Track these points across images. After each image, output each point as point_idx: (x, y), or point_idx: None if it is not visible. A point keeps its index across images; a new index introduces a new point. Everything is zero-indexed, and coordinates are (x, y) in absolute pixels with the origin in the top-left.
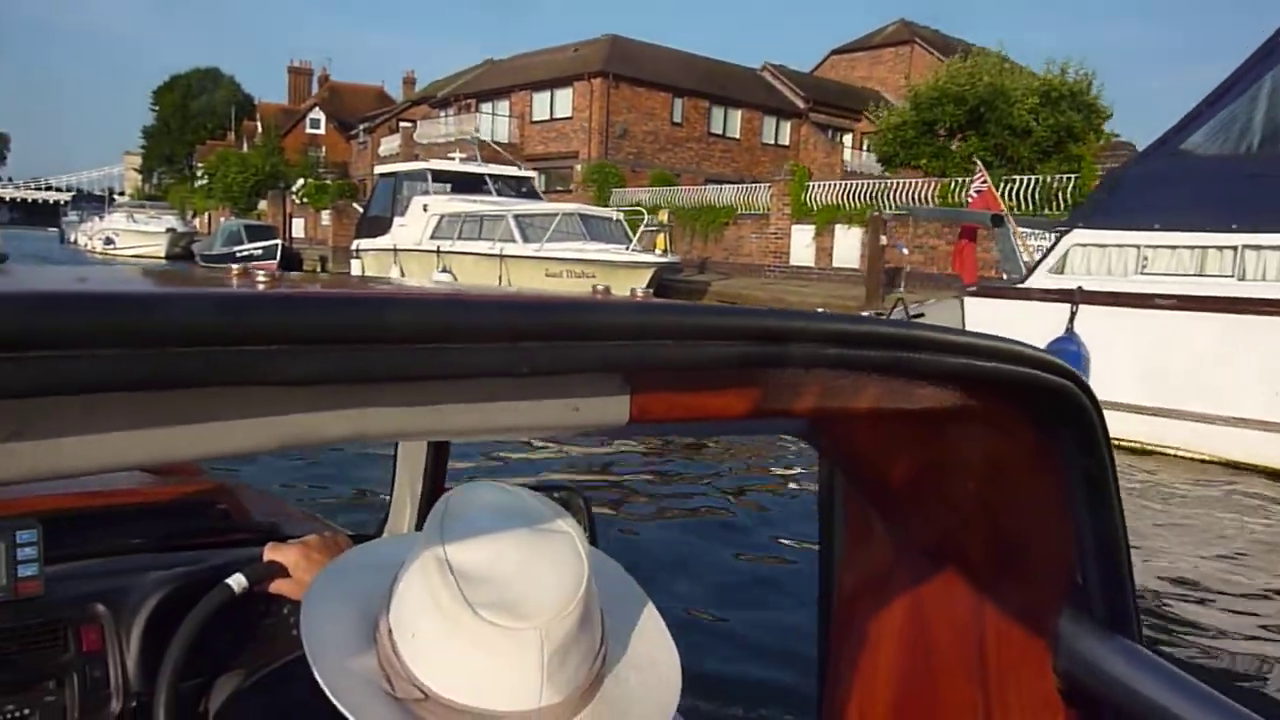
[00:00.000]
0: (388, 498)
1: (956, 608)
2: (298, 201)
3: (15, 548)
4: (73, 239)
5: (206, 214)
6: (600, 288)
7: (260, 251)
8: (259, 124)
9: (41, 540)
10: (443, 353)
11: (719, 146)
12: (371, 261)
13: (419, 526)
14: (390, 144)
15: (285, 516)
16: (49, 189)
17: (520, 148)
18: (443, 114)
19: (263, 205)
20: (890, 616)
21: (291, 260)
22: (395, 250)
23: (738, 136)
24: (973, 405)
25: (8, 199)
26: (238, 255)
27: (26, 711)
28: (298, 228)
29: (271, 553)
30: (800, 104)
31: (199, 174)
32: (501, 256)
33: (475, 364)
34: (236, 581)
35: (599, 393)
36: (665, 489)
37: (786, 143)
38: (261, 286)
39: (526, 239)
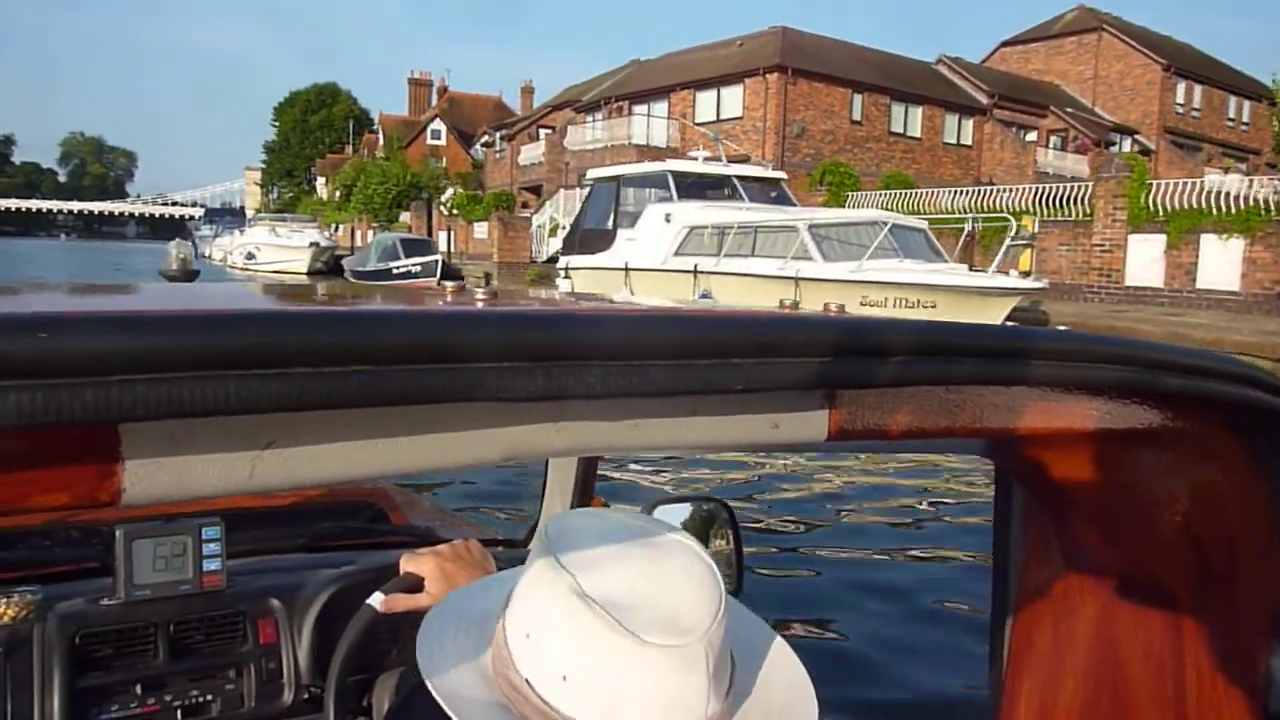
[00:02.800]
0: (537, 507)
1: (1151, 641)
2: (446, 213)
3: (201, 543)
4: (207, 253)
5: (336, 226)
6: (789, 301)
7: (419, 268)
8: (379, 136)
9: (224, 536)
10: (657, 370)
11: (900, 146)
12: (588, 282)
13: None
14: (532, 152)
15: (439, 521)
16: (173, 204)
17: (681, 152)
18: (590, 119)
19: (405, 217)
20: (1074, 648)
21: (451, 277)
22: (627, 270)
23: (919, 135)
24: (1178, 425)
25: (136, 214)
26: (394, 271)
27: (209, 697)
28: (444, 240)
29: (407, 564)
30: (983, 99)
31: (333, 187)
32: (797, 280)
33: (687, 380)
34: (377, 600)
35: (799, 409)
36: (814, 499)
37: (969, 142)
38: (482, 304)
39: (825, 256)
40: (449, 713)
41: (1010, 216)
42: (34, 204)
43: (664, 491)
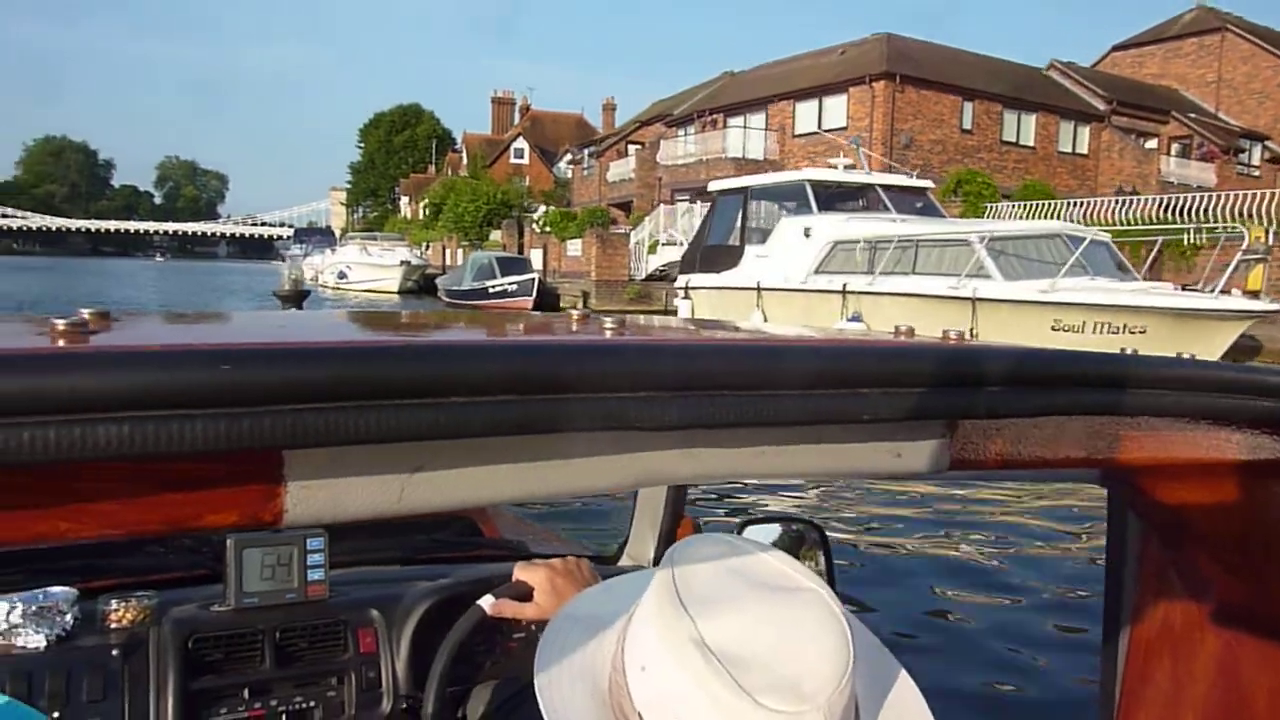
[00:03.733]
0: (626, 524)
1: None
2: (538, 231)
3: (306, 553)
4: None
5: (426, 245)
6: (904, 327)
7: (514, 287)
8: (463, 155)
9: (328, 547)
10: (786, 399)
11: (1012, 156)
12: (711, 303)
13: (658, 557)
14: (621, 168)
15: (530, 535)
16: (262, 224)
17: (780, 164)
18: (682, 133)
19: (495, 235)
20: (1194, 685)
21: (546, 295)
22: (759, 290)
23: (1032, 144)
24: None
25: (227, 235)
26: (490, 290)
27: (312, 704)
28: (536, 259)
29: (520, 573)
30: (1100, 105)
31: (418, 206)
32: (974, 301)
33: (815, 411)
34: (487, 603)
35: (921, 438)
36: (910, 524)
37: (1085, 151)
38: (609, 334)
39: (1005, 274)
40: None
41: (1243, 226)
42: (132, 225)
43: (744, 507)
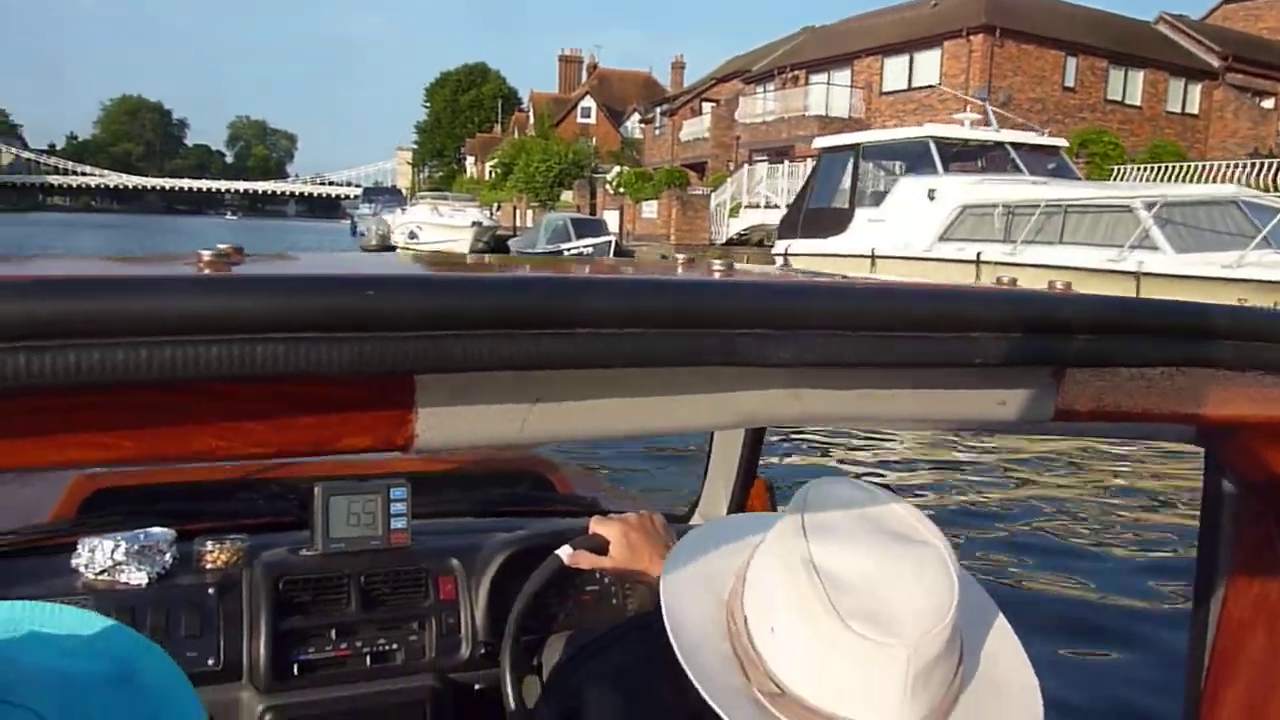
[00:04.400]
0: (699, 482)
1: None
2: (612, 192)
3: (389, 502)
4: (364, 231)
5: (497, 205)
6: (1007, 279)
7: (590, 250)
8: (529, 114)
9: (410, 497)
10: (898, 340)
11: (1117, 116)
12: (811, 267)
13: (734, 506)
14: (695, 127)
15: (601, 492)
16: (329, 184)
17: (865, 123)
18: (760, 90)
19: (566, 196)
20: None
21: (624, 259)
22: (874, 258)
23: (1139, 104)
24: None
25: (295, 194)
26: (565, 253)
27: (394, 646)
28: (611, 221)
29: (596, 526)
30: (1213, 62)
31: (483, 166)
32: (1138, 275)
33: (926, 353)
34: (565, 553)
35: (1026, 386)
36: (994, 494)
37: (1195, 111)
38: (718, 275)
39: (1175, 246)
40: (666, 621)
41: None
42: (205, 184)
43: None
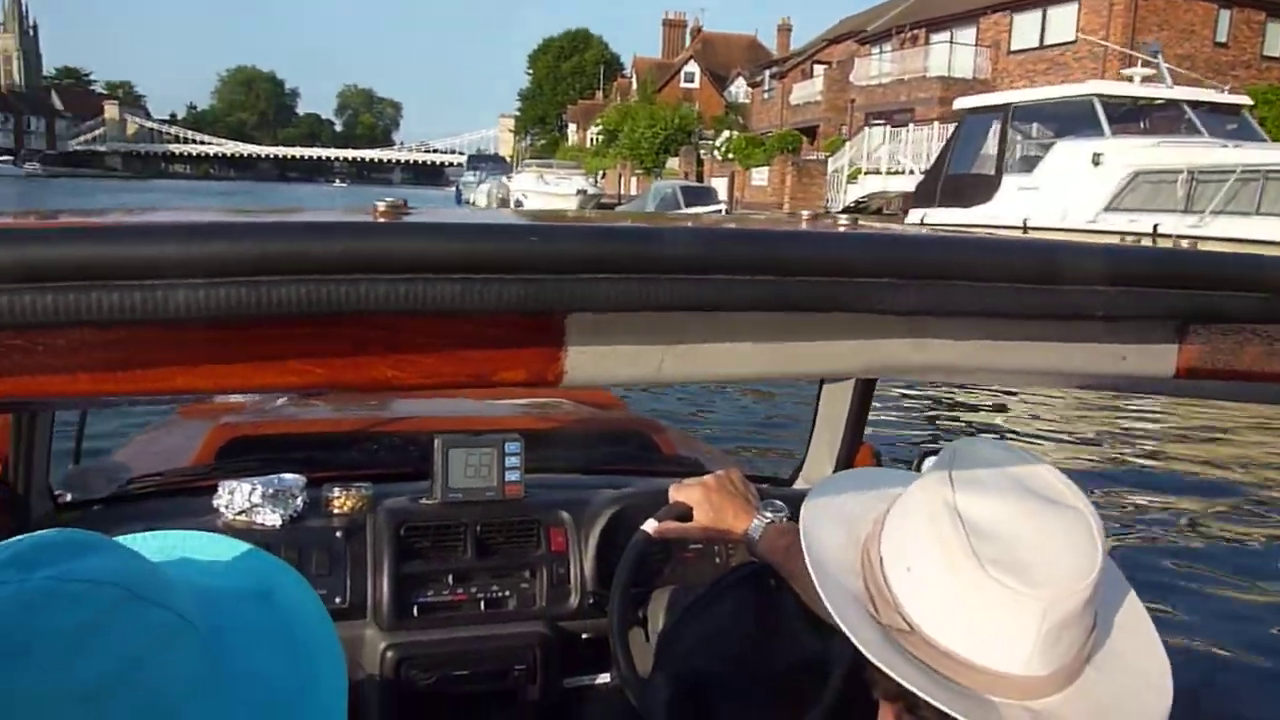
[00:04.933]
0: (803, 447)
1: None
2: (720, 158)
3: (505, 455)
4: (469, 199)
5: (602, 173)
6: (1130, 238)
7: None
8: (632, 80)
9: (523, 451)
10: (1020, 292)
11: (1274, 73)
12: None
13: (839, 469)
14: (806, 90)
15: (704, 454)
16: (434, 151)
17: (992, 84)
18: (876, 51)
19: (672, 163)
20: None
21: None
22: (1027, 229)
23: None
24: None
25: (401, 161)
26: None
27: (507, 593)
28: (720, 188)
29: (675, 493)
30: None
31: (584, 133)
32: None
33: (1049, 304)
34: (650, 527)
35: (1149, 341)
36: (1148, 475)
37: None
38: (843, 228)
39: None
40: (805, 554)
41: None
42: (315, 151)
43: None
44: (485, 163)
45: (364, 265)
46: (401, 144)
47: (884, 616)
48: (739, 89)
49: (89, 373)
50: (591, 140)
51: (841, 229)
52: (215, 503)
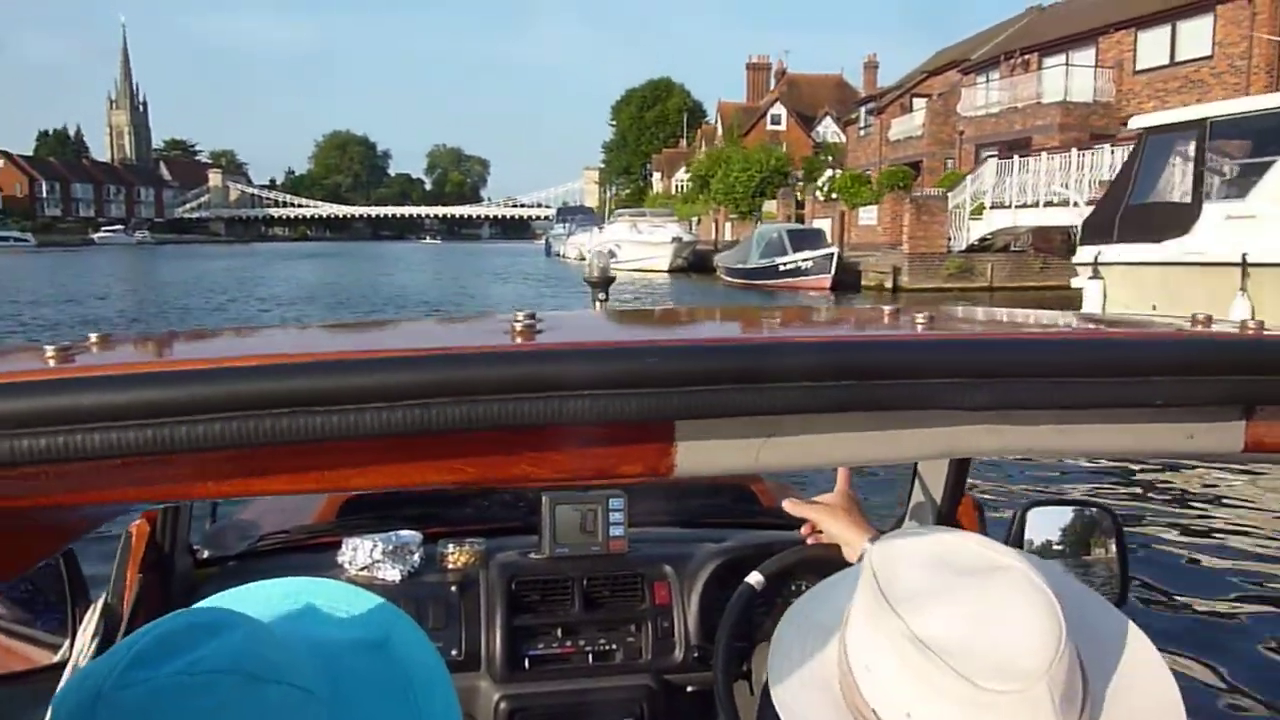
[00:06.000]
0: (901, 509)
1: None
2: (823, 198)
3: (609, 511)
4: (559, 251)
5: (698, 219)
6: (1202, 315)
7: (809, 264)
8: (717, 125)
9: (627, 507)
10: (1081, 386)
11: None
12: (1142, 283)
13: (940, 524)
14: (906, 125)
15: None
16: (520, 205)
17: (1116, 108)
18: (983, 79)
19: (769, 206)
20: None
21: (846, 273)
22: (1246, 265)
23: None
24: None
25: (490, 217)
26: (781, 269)
27: (614, 646)
28: (825, 230)
29: (792, 508)
30: None
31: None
32: None
33: (1108, 396)
34: (755, 580)
35: (1215, 420)
36: (1215, 516)
37: None
38: (921, 327)
39: None
40: None
41: None
42: (406, 210)
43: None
44: (574, 214)
45: (513, 387)
46: (489, 199)
47: None
48: (826, 129)
49: (283, 475)
50: (678, 187)
51: (918, 329)
52: (339, 559)
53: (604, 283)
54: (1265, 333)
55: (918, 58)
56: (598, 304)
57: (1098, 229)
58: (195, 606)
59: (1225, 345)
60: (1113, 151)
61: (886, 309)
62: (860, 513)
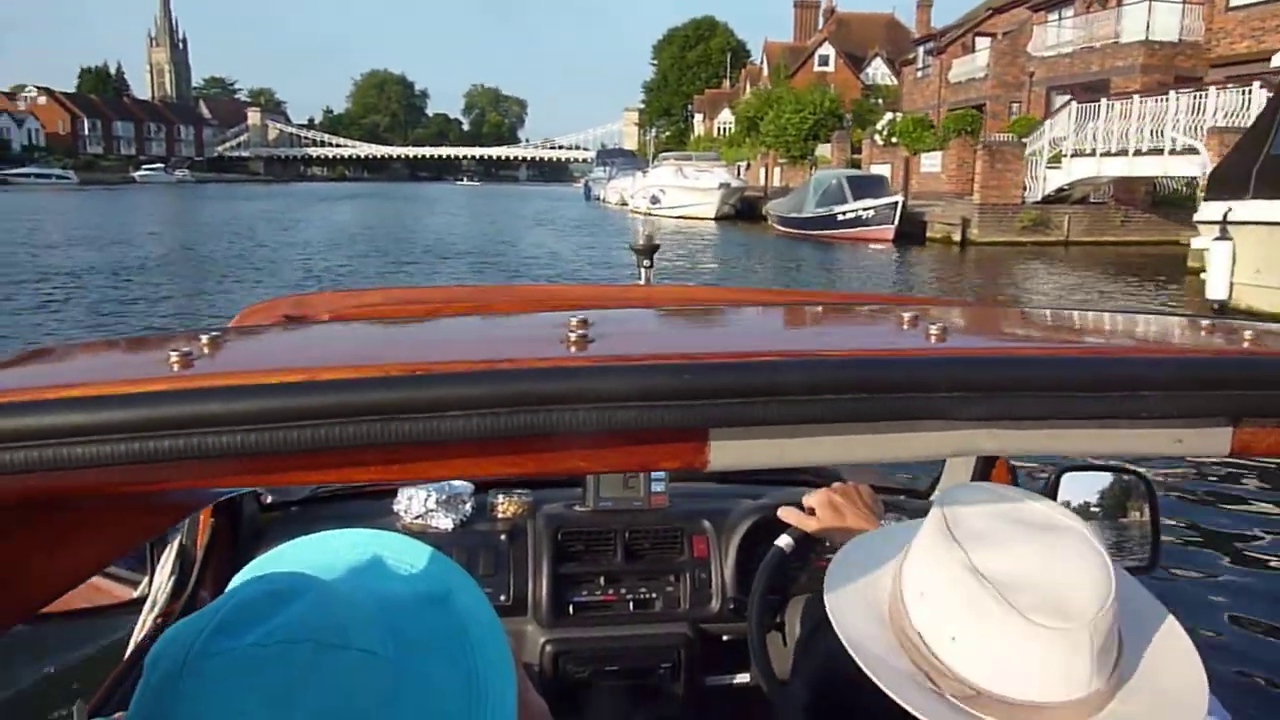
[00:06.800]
0: (938, 469)
1: None
2: (882, 142)
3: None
4: (599, 195)
5: (747, 164)
6: (1206, 324)
7: (871, 214)
8: (763, 66)
9: None
10: (1073, 400)
11: None
12: (1273, 246)
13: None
14: (968, 66)
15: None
16: (558, 147)
17: (1205, 48)
18: (1054, 17)
19: (822, 150)
20: None
21: (910, 224)
22: None
23: None
24: None
25: (527, 159)
26: (840, 218)
27: (653, 595)
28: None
29: (806, 498)
30: None
31: (711, 123)
32: None
33: (1100, 409)
34: (785, 542)
35: (1202, 426)
36: (1253, 489)
37: None
38: (934, 339)
39: None
40: (852, 653)
41: None
42: (444, 150)
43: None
44: (615, 157)
45: (568, 399)
46: (527, 141)
47: (948, 689)
48: (877, 70)
49: (375, 467)
50: (720, 130)
51: (930, 340)
52: (395, 507)
53: (649, 250)
54: (1254, 347)
55: None
56: (643, 271)
57: (1228, 182)
58: (272, 571)
59: (1212, 363)
60: (1219, 94)
61: (906, 315)
62: (870, 508)
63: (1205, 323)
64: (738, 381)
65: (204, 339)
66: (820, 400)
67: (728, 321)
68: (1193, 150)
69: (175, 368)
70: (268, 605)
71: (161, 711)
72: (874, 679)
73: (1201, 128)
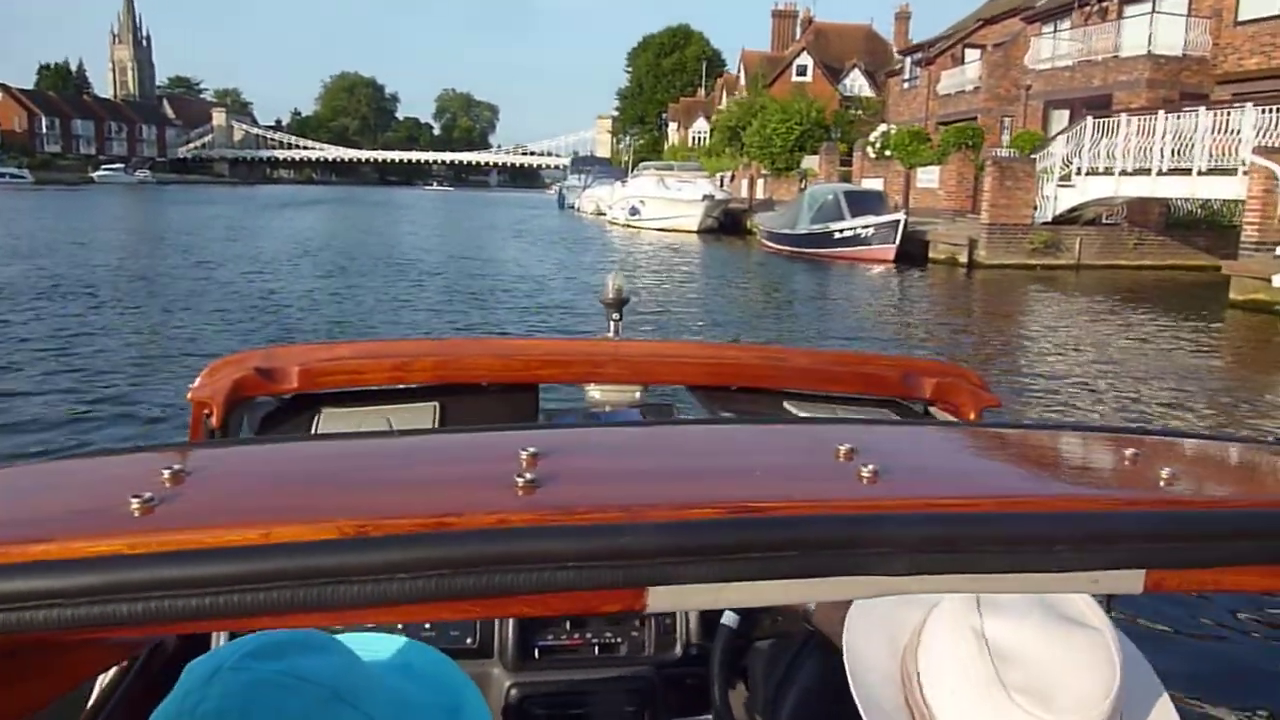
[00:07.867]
0: None
1: None
2: (874, 155)
3: None
4: (573, 204)
5: (731, 175)
6: (1177, 472)
7: (870, 231)
8: (740, 74)
9: None
10: (992, 555)
11: None
12: None
13: None
14: (959, 78)
15: None
16: (529, 154)
17: (1213, 63)
18: (1050, 29)
19: (809, 162)
20: None
21: (911, 243)
22: None
23: None
24: None
25: (498, 164)
26: (837, 236)
27: (618, 640)
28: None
29: None
30: None
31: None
32: None
33: (1018, 562)
34: (729, 619)
35: (1117, 569)
36: None
37: None
38: (865, 481)
39: None
40: (852, 685)
41: None
42: (414, 155)
43: None
44: (591, 165)
45: (520, 559)
46: (498, 147)
47: None
48: (855, 81)
49: (329, 615)
50: (695, 139)
51: (862, 483)
52: None
53: (618, 304)
54: (1168, 497)
55: (954, 10)
56: (612, 324)
57: None
58: (309, 630)
59: (1124, 517)
60: (1262, 112)
61: (843, 448)
62: None
63: (1130, 452)
64: (672, 543)
65: (165, 474)
66: (752, 559)
67: (676, 448)
68: (1232, 171)
69: (136, 514)
70: (298, 648)
71: (188, 708)
72: (855, 695)
73: (1236, 147)
